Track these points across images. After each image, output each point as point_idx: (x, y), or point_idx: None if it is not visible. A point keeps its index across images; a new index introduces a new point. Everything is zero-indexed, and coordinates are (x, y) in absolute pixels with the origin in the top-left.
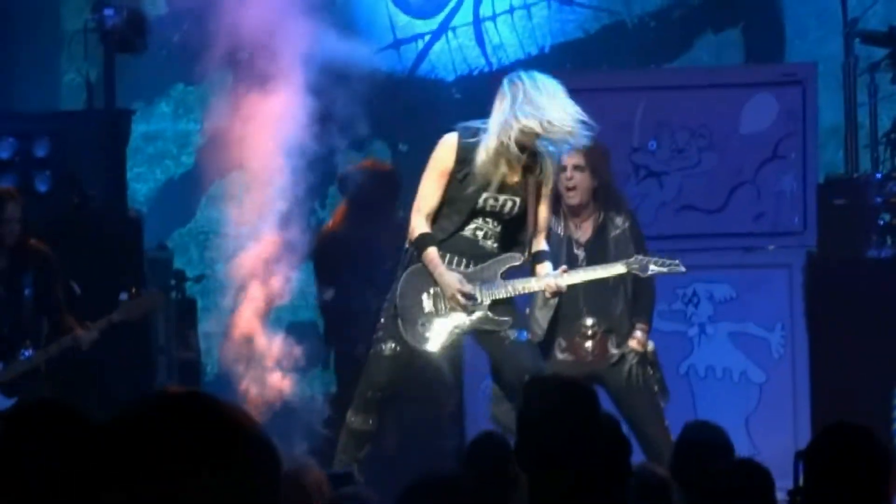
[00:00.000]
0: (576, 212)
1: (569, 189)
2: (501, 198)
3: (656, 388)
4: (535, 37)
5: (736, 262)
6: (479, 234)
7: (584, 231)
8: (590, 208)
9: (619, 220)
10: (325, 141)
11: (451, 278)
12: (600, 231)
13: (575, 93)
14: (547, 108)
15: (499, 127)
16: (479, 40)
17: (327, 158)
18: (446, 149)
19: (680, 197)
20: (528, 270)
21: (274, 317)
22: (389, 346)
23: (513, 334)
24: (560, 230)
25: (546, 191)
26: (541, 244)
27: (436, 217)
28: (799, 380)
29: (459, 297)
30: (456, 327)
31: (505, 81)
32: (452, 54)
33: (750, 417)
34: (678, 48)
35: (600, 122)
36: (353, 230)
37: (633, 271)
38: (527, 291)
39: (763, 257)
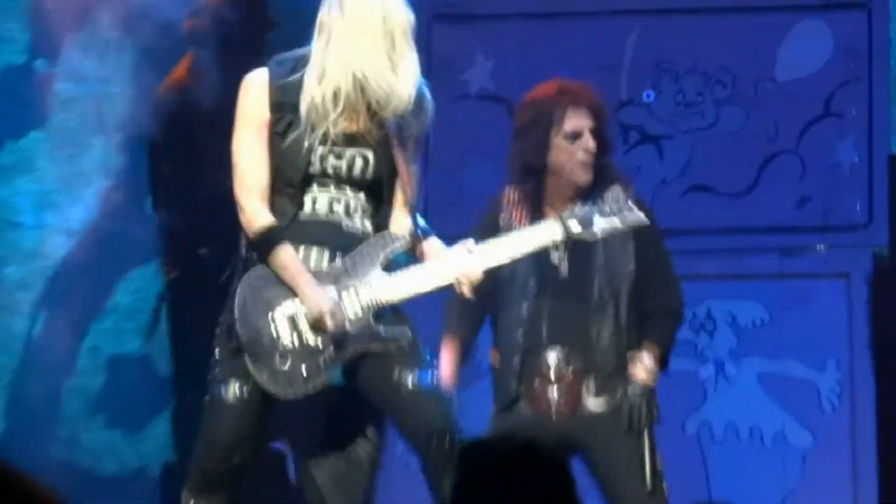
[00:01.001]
0: (573, 194)
1: (585, 163)
2: (347, 152)
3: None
4: None
5: (770, 269)
6: (338, 208)
7: None
8: (580, 191)
9: (611, 206)
10: None
11: (315, 297)
12: (587, 222)
13: (538, 18)
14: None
15: (319, 67)
16: None
17: None
18: (255, 92)
19: (689, 172)
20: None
21: (90, 345)
22: (233, 389)
23: (410, 375)
24: (522, 222)
25: (416, 143)
26: (411, 217)
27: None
28: (861, 443)
29: (328, 321)
30: (329, 355)
31: None
32: None
33: (788, 500)
34: None
35: (571, 61)
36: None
37: (574, 232)
38: (427, 289)
39: (809, 262)
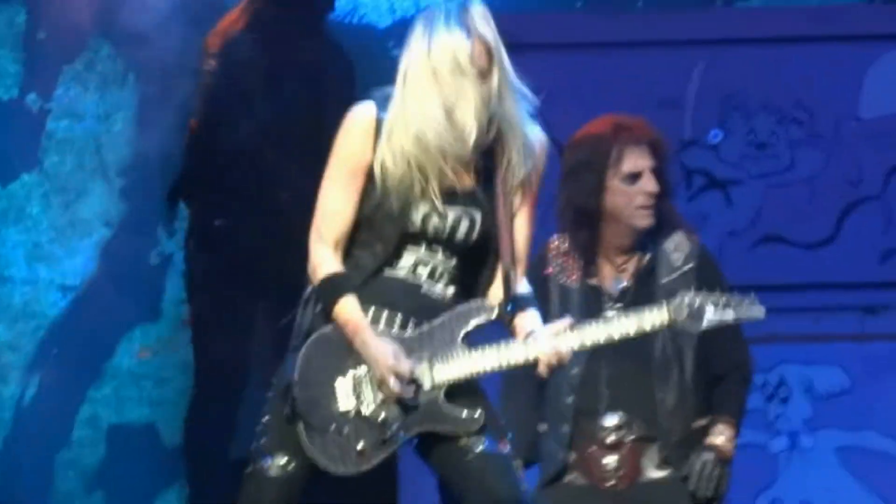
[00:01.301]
0: (630, 242)
1: (645, 207)
2: (451, 213)
3: None
4: None
5: (851, 330)
6: (422, 272)
7: (620, 275)
8: (638, 239)
9: (676, 257)
10: None
11: (380, 350)
12: (646, 275)
13: (591, 48)
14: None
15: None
16: None
17: None
18: (358, 130)
19: (760, 221)
20: (499, 329)
21: (87, 414)
22: (278, 463)
23: (480, 443)
24: (573, 275)
25: (524, 193)
26: (520, 284)
27: (349, 245)
28: None
29: (393, 380)
30: (391, 432)
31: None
32: None
33: None
34: None
35: (628, 96)
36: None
37: (680, 321)
38: (507, 366)
39: (895, 323)
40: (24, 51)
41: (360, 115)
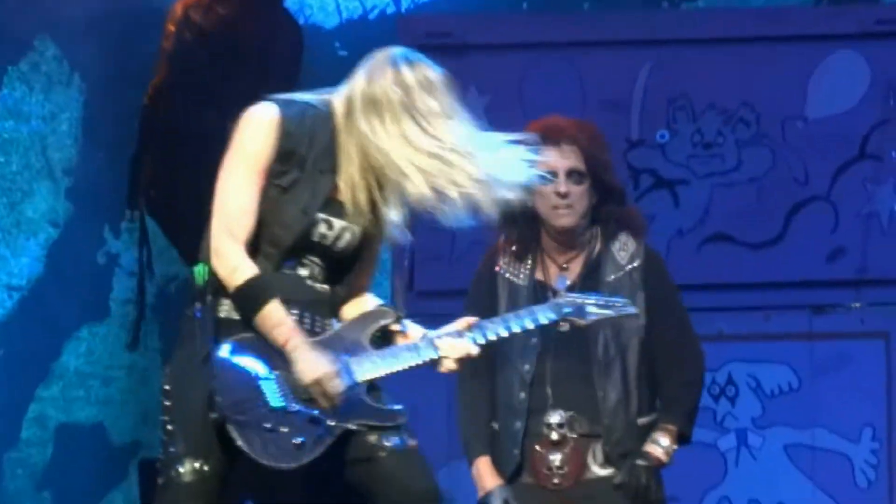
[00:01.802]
0: (562, 240)
1: (557, 207)
2: (337, 224)
3: None
4: None
5: (799, 329)
6: (303, 272)
7: (564, 273)
8: (584, 236)
9: (622, 256)
10: None
11: (313, 359)
12: (591, 272)
13: (537, 49)
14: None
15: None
16: None
17: None
18: (264, 130)
19: (707, 221)
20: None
21: (35, 414)
22: (192, 468)
23: (389, 440)
24: (520, 272)
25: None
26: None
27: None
28: None
29: (327, 384)
30: (327, 425)
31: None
32: None
33: None
34: None
35: (575, 97)
36: None
37: (566, 318)
38: (420, 365)
39: (843, 322)
40: None
41: (266, 115)
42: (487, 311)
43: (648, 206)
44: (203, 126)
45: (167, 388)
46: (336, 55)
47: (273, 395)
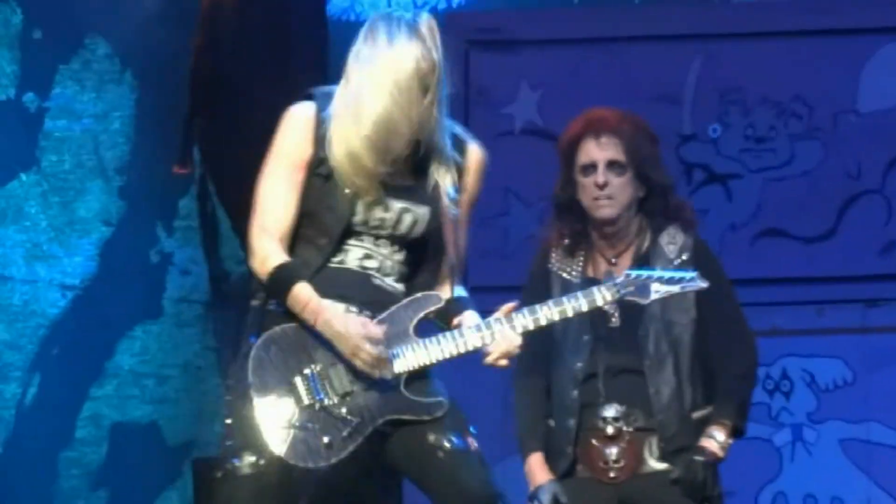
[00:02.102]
0: (606, 233)
1: (597, 199)
2: (395, 206)
3: None
4: None
5: (853, 323)
6: (371, 265)
7: (615, 267)
8: (630, 229)
9: (671, 249)
10: None
11: (349, 322)
12: (639, 266)
13: (588, 43)
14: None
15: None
16: None
17: None
18: (300, 126)
19: (760, 216)
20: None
21: (90, 413)
22: (249, 461)
23: (447, 440)
24: (573, 268)
25: (458, 204)
26: (457, 286)
27: (292, 243)
28: None
29: (369, 348)
30: (357, 422)
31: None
32: None
33: None
34: None
35: (627, 91)
36: None
37: (627, 298)
38: (464, 353)
39: None
40: (20, 50)
41: (302, 112)
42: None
43: (701, 201)
44: (244, 89)
45: (230, 382)
46: None
47: (304, 392)
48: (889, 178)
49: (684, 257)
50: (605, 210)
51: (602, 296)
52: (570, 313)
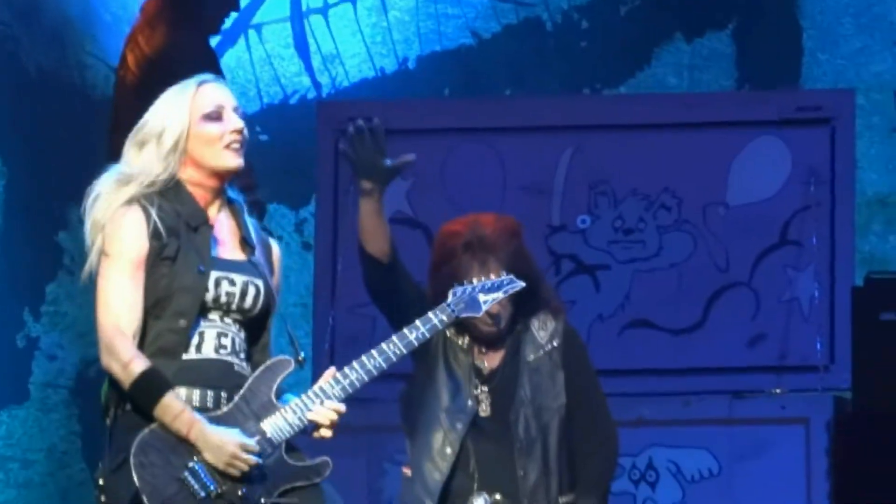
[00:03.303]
0: (485, 340)
1: (488, 324)
2: (238, 280)
3: None
4: (391, 42)
5: (719, 414)
6: (226, 344)
7: (489, 357)
8: (507, 329)
9: (542, 335)
10: None
11: (217, 437)
12: (513, 353)
13: (459, 133)
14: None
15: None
16: (301, 47)
17: None
18: (131, 226)
19: (628, 306)
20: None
21: None
22: None
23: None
24: (462, 342)
25: (276, 275)
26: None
27: (143, 332)
28: None
29: (243, 457)
30: (256, 501)
31: None
32: (256, 70)
33: None
34: (628, 64)
35: (497, 182)
36: None
37: (457, 315)
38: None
39: (764, 407)
40: None
41: (130, 210)
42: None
43: (569, 292)
44: None
45: (101, 482)
46: (257, 140)
47: (198, 484)
48: (757, 271)
49: (554, 343)
50: (493, 330)
51: (439, 319)
52: (416, 344)
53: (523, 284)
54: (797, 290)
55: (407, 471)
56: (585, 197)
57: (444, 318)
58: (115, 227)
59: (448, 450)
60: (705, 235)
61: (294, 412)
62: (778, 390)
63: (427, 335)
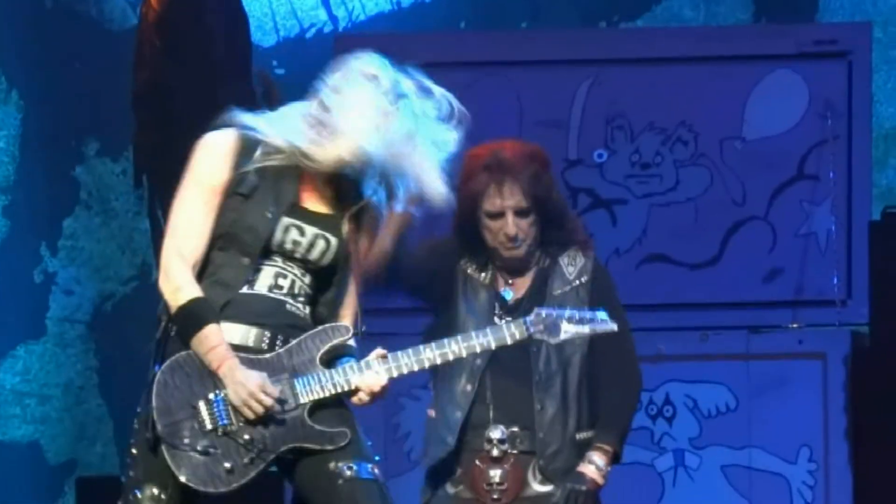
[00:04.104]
0: (511, 267)
1: (507, 245)
2: (309, 231)
3: None
4: None
5: (736, 349)
6: (283, 285)
7: (517, 286)
8: (531, 259)
9: (570, 271)
10: None
11: (243, 375)
12: (539, 286)
13: (475, 67)
14: (373, 134)
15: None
16: None
17: None
18: (217, 149)
19: (645, 241)
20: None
21: None
22: (150, 493)
23: (350, 467)
24: (483, 276)
25: (369, 241)
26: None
27: (207, 261)
28: None
29: (261, 398)
30: (258, 449)
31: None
32: (273, 3)
33: None
34: None
35: (512, 116)
36: None
37: (531, 335)
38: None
39: (781, 342)
40: None
41: (222, 137)
42: (444, 300)
43: (586, 226)
44: (180, 104)
45: (139, 409)
46: (273, 73)
47: (208, 417)
48: (774, 205)
49: (583, 279)
50: (514, 253)
51: (511, 334)
52: (477, 350)
53: (615, 328)
54: (814, 224)
55: (431, 412)
56: (602, 131)
57: (517, 333)
58: (205, 149)
59: (469, 387)
60: (722, 170)
61: (330, 378)
62: (795, 325)
63: (492, 345)
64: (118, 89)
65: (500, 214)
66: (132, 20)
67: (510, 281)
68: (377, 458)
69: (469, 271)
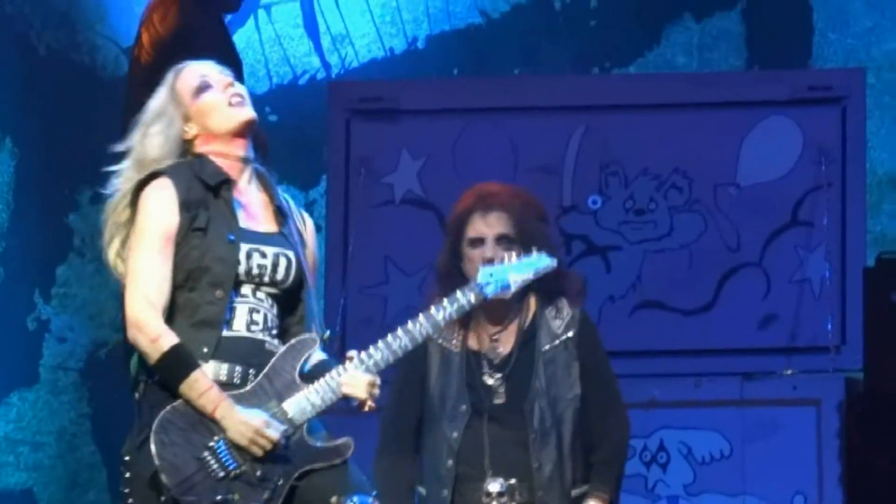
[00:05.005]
0: (493, 313)
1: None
2: (269, 251)
3: None
4: (400, 22)
5: (730, 395)
6: (258, 320)
7: (502, 342)
8: (514, 305)
9: (557, 324)
10: None
11: (243, 414)
12: (528, 340)
13: (469, 113)
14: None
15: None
16: (311, 27)
17: None
18: (165, 199)
19: (639, 287)
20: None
21: None
22: None
23: (351, 500)
24: (454, 341)
25: (310, 247)
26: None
27: (179, 305)
28: None
29: (267, 433)
30: (274, 483)
31: None
32: (266, 50)
33: None
34: (637, 44)
35: (508, 163)
36: None
37: (486, 295)
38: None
39: (775, 388)
40: None
41: (161, 186)
42: (419, 380)
43: (580, 273)
44: None
45: (126, 458)
46: (266, 120)
47: (218, 463)
48: (768, 251)
49: (570, 333)
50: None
51: (467, 299)
52: (443, 324)
53: (555, 262)
54: (808, 270)
55: (422, 490)
56: (596, 177)
57: (472, 297)
58: (145, 202)
59: (454, 433)
60: (716, 216)
61: (317, 392)
62: (789, 371)
63: (455, 315)
64: (112, 136)
65: (480, 241)
66: (125, 68)
67: (494, 336)
68: (375, 492)
69: (442, 343)
